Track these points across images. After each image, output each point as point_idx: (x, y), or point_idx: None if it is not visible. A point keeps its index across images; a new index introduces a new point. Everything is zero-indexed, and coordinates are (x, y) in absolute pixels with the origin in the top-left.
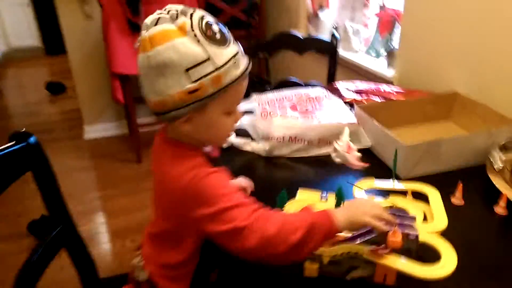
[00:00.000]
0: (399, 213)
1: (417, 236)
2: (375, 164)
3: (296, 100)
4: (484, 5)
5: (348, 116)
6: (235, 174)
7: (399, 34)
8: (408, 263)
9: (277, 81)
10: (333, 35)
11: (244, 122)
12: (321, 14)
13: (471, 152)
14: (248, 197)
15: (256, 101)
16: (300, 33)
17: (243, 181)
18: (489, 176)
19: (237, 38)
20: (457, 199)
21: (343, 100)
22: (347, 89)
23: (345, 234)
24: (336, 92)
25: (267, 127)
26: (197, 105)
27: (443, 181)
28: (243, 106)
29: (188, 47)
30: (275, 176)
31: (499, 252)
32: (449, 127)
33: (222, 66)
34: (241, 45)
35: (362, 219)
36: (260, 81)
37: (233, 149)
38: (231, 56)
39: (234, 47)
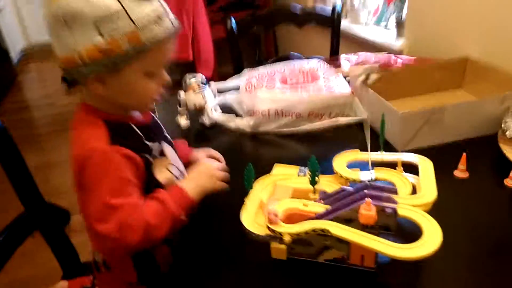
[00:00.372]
0: (377, 185)
1: (394, 210)
2: (371, 137)
3: (288, 73)
4: None
5: (342, 87)
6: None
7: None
8: (382, 241)
9: (276, 57)
10: (334, 7)
11: (229, 97)
12: None
13: (480, 120)
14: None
15: (246, 76)
16: (299, 6)
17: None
18: (500, 145)
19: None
20: (460, 171)
21: (342, 72)
22: (349, 61)
23: (310, 210)
24: (335, 63)
25: (251, 100)
26: (109, 64)
27: (447, 154)
28: (231, 82)
29: None
30: (262, 154)
31: (507, 229)
32: (461, 97)
33: (140, 22)
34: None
35: (208, 187)
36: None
37: (217, 126)
38: (151, 11)
39: (157, 3)
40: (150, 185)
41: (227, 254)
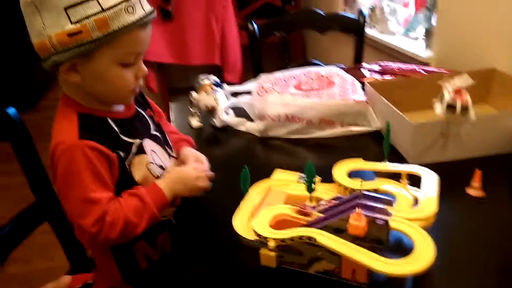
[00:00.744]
0: (372, 195)
1: (386, 222)
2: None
3: (304, 78)
4: None
5: (357, 95)
6: (229, 156)
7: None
8: (370, 254)
9: (297, 63)
10: (360, 12)
11: (242, 101)
12: None
13: (501, 136)
14: (95, 185)
15: (262, 80)
16: (321, 11)
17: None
18: None
19: None
20: (473, 189)
21: (362, 80)
22: (370, 69)
23: (301, 217)
24: (357, 72)
25: (262, 104)
26: (79, 51)
27: (463, 170)
28: (246, 85)
29: None
30: (269, 160)
31: None
32: (485, 111)
33: (110, 8)
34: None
35: (182, 194)
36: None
37: (228, 128)
38: (124, 1)
39: None
40: (125, 182)
41: (218, 257)
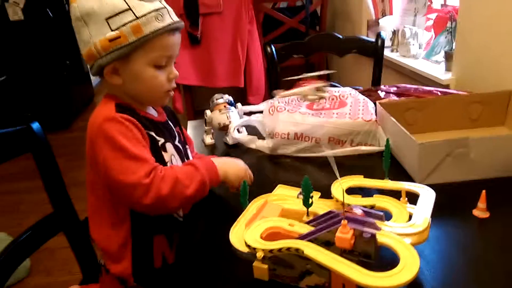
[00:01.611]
0: (364, 210)
1: (373, 236)
2: (393, 168)
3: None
4: None
5: (366, 115)
6: None
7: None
8: (354, 266)
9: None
10: (378, 35)
11: (253, 119)
12: (381, 21)
13: (510, 159)
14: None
15: (274, 99)
16: (339, 35)
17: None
18: None
19: None
20: (480, 210)
21: (378, 101)
22: (387, 91)
23: (294, 230)
24: (374, 94)
25: (272, 123)
26: (119, 53)
27: (470, 191)
28: (261, 105)
29: None
30: (277, 176)
31: None
32: (500, 133)
33: (142, 16)
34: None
35: (232, 174)
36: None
37: (240, 146)
38: (153, 9)
39: (159, 4)
40: (157, 160)
41: (215, 269)
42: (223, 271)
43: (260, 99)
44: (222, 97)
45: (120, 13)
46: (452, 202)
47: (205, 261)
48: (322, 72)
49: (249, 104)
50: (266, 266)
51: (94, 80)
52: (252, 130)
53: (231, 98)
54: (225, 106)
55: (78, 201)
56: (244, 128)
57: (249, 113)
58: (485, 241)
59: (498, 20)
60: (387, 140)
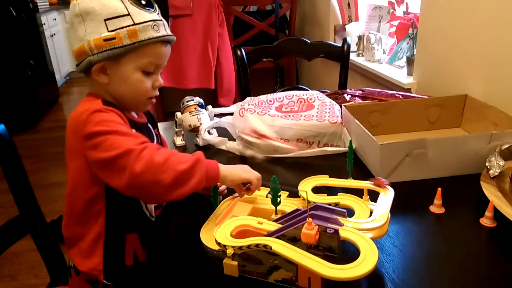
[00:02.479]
0: (328, 207)
1: (336, 231)
2: (358, 168)
3: (286, 101)
4: (502, 6)
5: (332, 117)
6: None
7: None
8: (316, 259)
9: (283, 88)
10: (344, 40)
11: (224, 121)
12: (348, 27)
13: (466, 158)
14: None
15: (246, 103)
16: (309, 40)
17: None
18: (481, 183)
19: None
20: (436, 207)
21: (343, 104)
22: (353, 95)
23: (263, 228)
24: (340, 97)
25: (242, 124)
26: (111, 53)
27: (428, 189)
28: (231, 107)
29: (110, 1)
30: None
31: (473, 266)
32: (457, 135)
33: (140, 23)
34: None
35: (234, 175)
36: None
37: (210, 148)
38: (151, 19)
39: (157, 16)
40: None
41: (187, 266)
42: (194, 269)
43: (230, 101)
44: (192, 99)
45: (119, 16)
46: (410, 199)
47: (177, 258)
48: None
49: (220, 105)
50: (236, 263)
51: (60, 80)
52: (222, 132)
53: (201, 100)
54: (195, 108)
55: (45, 202)
56: (214, 130)
57: (220, 115)
58: (440, 235)
59: (456, 28)
60: (350, 142)
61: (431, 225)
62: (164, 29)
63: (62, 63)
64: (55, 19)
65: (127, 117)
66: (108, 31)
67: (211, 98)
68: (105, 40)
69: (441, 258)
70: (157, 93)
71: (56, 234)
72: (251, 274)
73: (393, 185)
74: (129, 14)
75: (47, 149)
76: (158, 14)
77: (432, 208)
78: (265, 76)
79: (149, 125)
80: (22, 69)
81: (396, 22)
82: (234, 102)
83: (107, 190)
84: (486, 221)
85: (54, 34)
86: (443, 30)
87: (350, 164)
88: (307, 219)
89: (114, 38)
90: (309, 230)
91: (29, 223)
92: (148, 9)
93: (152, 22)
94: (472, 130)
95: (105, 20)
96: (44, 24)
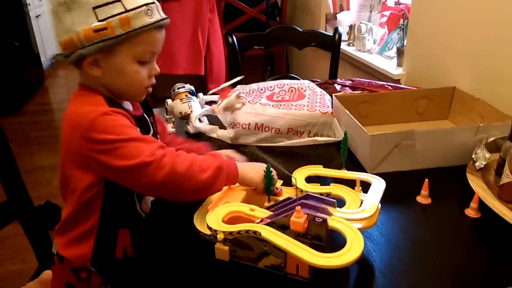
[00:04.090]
0: (318, 197)
1: (325, 221)
2: (347, 158)
3: (277, 90)
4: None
5: (323, 107)
6: None
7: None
8: (305, 248)
9: (274, 77)
10: (336, 30)
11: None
12: (339, 15)
13: (453, 150)
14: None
15: (237, 91)
16: (301, 28)
17: (231, 153)
18: (467, 175)
19: None
20: (422, 197)
21: (334, 94)
22: (343, 84)
23: (254, 215)
24: (330, 86)
25: (233, 113)
26: (103, 45)
27: (415, 180)
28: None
29: None
30: None
31: (457, 255)
32: (443, 126)
33: (132, 9)
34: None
35: (252, 175)
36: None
37: (201, 135)
38: (144, 3)
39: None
40: None
41: (179, 250)
42: (186, 253)
43: None
44: (183, 86)
45: (109, 3)
46: (398, 189)
47: (169, 244)
48: (236, 79)
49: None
50: (227, 248)
51: (45, 62)
52: (213, 119)
53: (192, 88)
54: (186, 96)
55: (30, 187)
56: (205, 118)
57: (210, 102)
58: (426, 225)
59: (446, 20)
60: (345, 133)
61: (418, 215)
62: (157, 12)
63: (48, 45)
64: (41, 0)
65: (124, 107)
66: (98, 21)
67: (200, 84)
68: (96, 31)
69: (427, 247)
70: (154, 81)
71: (43, 219)
72: (241, 259)
73: (381, 175)
74: (119, 0)
75: (32, 133)
76: None
77: (419, 199)
78: (255, 64)
79: (145, 115)
80: (6, 51)
81: (387, 13)
82: None
83: (105, 189)
84: (471, 212)
85: (40, 15)
86: (434, 22)
87: (344, 155)
88: (296, 207)
89: (106, 28)
90: (298, 219)
91: (17, 209)
92: None
93: (145, 7)
94: (459, 122)
95: (94, 8)
96: (29, 4)
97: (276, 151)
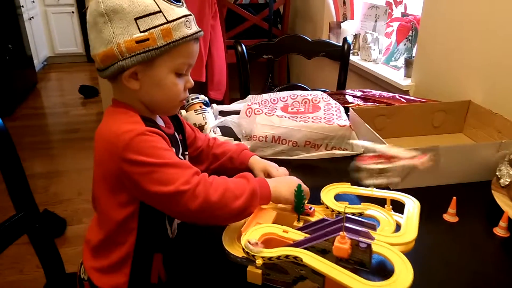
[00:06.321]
0: (357, 219)
1: (369, 246)
2: None
3: (290, 101)
4: (505, 12)
5: (341, 120)
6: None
7: (417, 41)
8: (352, 276)
9: (282, 86)
10: (344, 40)
11: (229, 120)
12: (343, 24)
13: (476, 166)
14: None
15: (249, 101)
16: (308, 37)
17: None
18: (493, 192)
19: None
20: (450, 215)
21: (346, 105)
22: (354, 95)
23: (288, 237)
24: (340, 97)
25: (250, 125)
26: (145, 57)
27: (440, 196)
28: (234, 105)
29: None
30: None
31: (490, 277)
32: (459, 140)
33: (173, 20)
34: None
35: (286, 194)
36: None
37: None
38: (183, 15)
39: (186, 10)
40: None
41: (208, 273)
42: (217, 276)
43: (221, 94)
44: (197, 97)
45: (151, 14)
46: (423, 206)
47: (199, 267)
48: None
49: (210, 99)
50: (260, 271)
51: (38, 65)
52: (226, 130)
53: (206, 98)
54: (200, 106)
55: None
56: (218, 128)
57: (221, 112)
58: (454, 244)
59: (458, 32)
60: None
61: (446, 234)
62: (194, 25)
63: (40, 48)
64: (33, 1)
65: (163, 131)
66: (141, 32)
67: (201, 90)
68: (138, 42)
69: (456, 267)
70: (188, 94)
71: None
72: (275, 283)
73: (404, 191)
74: (161, 11)
75: (25, 138)
76: (186, 8)
77: (446, 217)
78: (255, 71)
79: (176, 134)
80: (0, 54)
81: (394, 23)
82: (224, 96)
83: (140, 212)
84: (500, 231)
85: (33, 17)
86: (445, 33)
87: None
88: (341, 232)
89: (148, 39)
90: (342, 244)
91: (26, 223)
92: (177, 3)
93: (184, 18)
94: (475, 136)
95: (136, 19)
96: (23, 6)
97: (292, 164)
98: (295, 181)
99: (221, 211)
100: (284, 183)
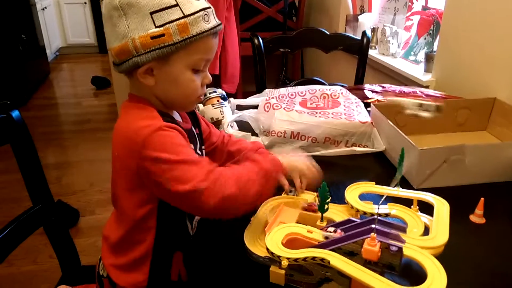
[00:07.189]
0: (386, 221)
1: (400, 249)
2: (387, 170)
3: (309, 96)
4: None
5: (362, 116)
6: None
7: (439, 36)
8: (383, 280)
9: (299, 80)
10: (364, 34)
11: (247, 115)
12: (361, 17)
13: (503, 165)
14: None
15: (266, 96)
16: (326, 30)
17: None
18: None
19: None
20: (477, 216)
21: (365, 101)
22: (373, 90)
23: (313, 237)
24: (359, 92)
25: (268, 120)
26: (160, 53)
27: (465, 196)
28: (251, 100)
29: None
30: None
31: None
32: (484, 138)
33: (191, 15)
34: None
35: (301, 165)
36: (283, 78)
37: None
38: (201, 8)
39: (205, 3)
40: None
41: (229, 272)
42: (239, 275)
43: (234, 87)
44: (215, 91)
45: (167, 8)
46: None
47: (219, 266)
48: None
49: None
50: (283, 272)
51: (50, 55)
52: (243, 125)
53: (224, 92)
54: (218, 101)
55: None
56: (235, 123)
57: (240, 107)
58: (481, 246)
59: (481, 27)
60: (402, 150)
61: (473, 235)
62: (213, 18)
63: (53, 38)
64: None
65: (181, 126)
66: (156, 27)
67: (215, 83)
68: (153, 37)
69: (483, 270)
70: (206, 90)
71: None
72: (298, 284)
73: (428, 191)
74: (177, 5)
75: (37, 129)
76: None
77: (473, 218)
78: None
79: (193, 129)
80: (14, 44)
81: (414, 17)
82: (237, 89)
83: (159, 209)
84: None
85: (45, 8)
86: (469, 27)
87: (400, 172)
88: (371, 234)
89: (163, 35)
90: (372, 247)
91: (43, 216)
92: None
93: (202, 12)
94: (499, 134)
95: (151, 13)
96: None
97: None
98: (306, 158)
99: (240, 201)
100: (297, 157)
